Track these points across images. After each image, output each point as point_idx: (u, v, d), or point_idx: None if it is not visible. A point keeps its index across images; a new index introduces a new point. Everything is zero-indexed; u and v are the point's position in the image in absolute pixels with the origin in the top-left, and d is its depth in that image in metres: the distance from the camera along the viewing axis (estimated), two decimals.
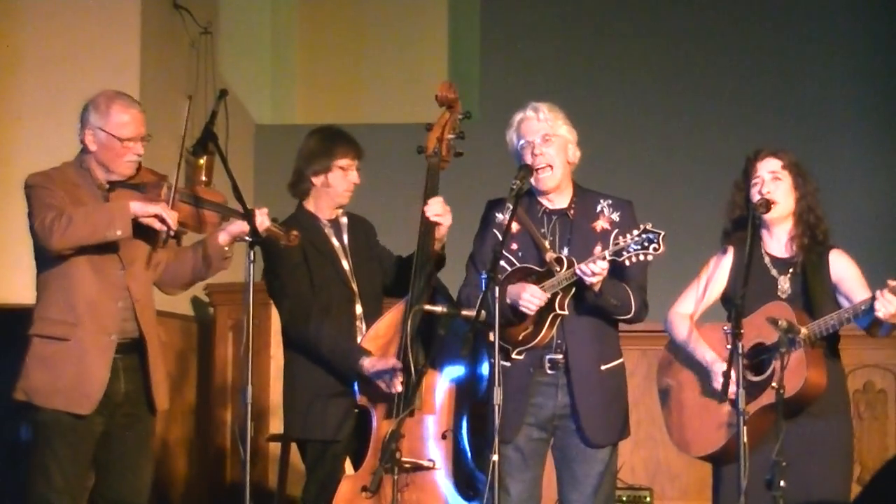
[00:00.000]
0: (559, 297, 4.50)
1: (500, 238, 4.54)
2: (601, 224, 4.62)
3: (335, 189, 5.05)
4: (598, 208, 4.65)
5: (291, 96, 9.36)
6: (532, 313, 4.49)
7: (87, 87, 6.50)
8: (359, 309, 5.00)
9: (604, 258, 4.39)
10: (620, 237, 4.41)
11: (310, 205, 5.09)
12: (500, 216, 4.67)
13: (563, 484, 4.62)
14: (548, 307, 4.50)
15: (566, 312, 4.52)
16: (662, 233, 4.34)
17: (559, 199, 4.66)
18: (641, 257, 4.36)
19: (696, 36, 8.64)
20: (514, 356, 4.54)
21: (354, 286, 5.01)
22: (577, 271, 4.41)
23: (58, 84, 6.68)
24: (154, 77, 6.87)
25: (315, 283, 4.96)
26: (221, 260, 4.68)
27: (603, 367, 4.58)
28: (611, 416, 4.60)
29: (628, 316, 4.57)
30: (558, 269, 4.50)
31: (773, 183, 4.58)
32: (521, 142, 4.61)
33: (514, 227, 4.57)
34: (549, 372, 4.56)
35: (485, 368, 4.68)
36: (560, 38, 8.74)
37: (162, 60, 7.12)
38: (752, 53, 8.60)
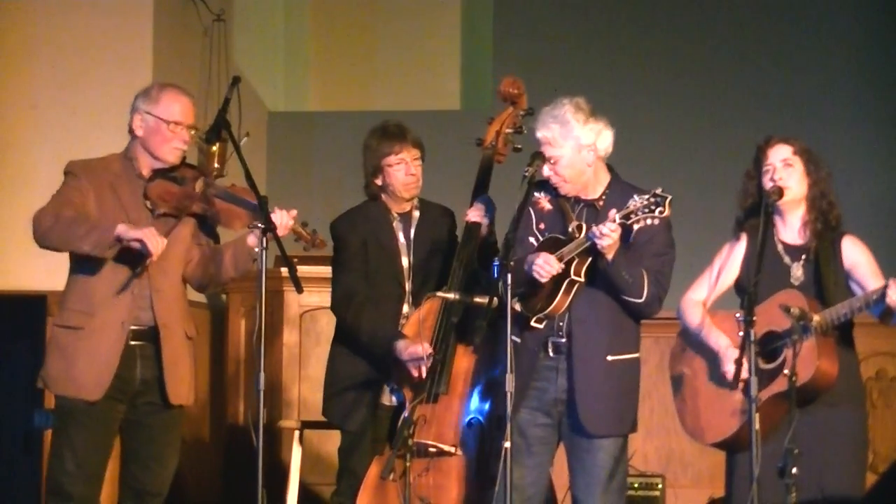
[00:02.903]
0: (575, 262, 4.49)
1: (531, 220, 4.57)
2: None
3: (394, 186, 5.07)
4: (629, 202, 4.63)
5: (304, 84, 9.35)
6: (544, 280, 4.47)
7: (101, 76, 6.58)
8: (405, 308, 5.04)
9: (614, 220, 4.38)
10: (631, 201, 4.40)
11: (383, 198, 5.13)
12: (536, 194, 4.66)
13: (572, 471, 4.62)
14: (563, 273, 4.49)
15: (582, 279, 4.50)
16: (669, 196, 4.34)
17: (589, 193, 4.65)
18: (649, 221, 4.36)
19: (707, 29, 8.61)
20: (532, 324, 4.53)
21: (408, 285, 5.05)
22: (589, 233, 4.42)
23: (72, 73, 6.70)
24: (167, 64, 6.88)
25: (369, 277, 5.01)
26: (249, 261, 4.65)
27: (610, 358, 4.56)
28: (614, 407, 4.57)
29: (640, 300, 4.52)
30: (578, 235, 4.51)
31: (785, 170, 4.56)
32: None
33: (547, 207, 4.62)
34: (551, 355, 4.57)
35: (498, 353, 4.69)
36: (572, 29, 8.72)
37: (175, 48, 7.13)
38: (763, 45, 8.58)
